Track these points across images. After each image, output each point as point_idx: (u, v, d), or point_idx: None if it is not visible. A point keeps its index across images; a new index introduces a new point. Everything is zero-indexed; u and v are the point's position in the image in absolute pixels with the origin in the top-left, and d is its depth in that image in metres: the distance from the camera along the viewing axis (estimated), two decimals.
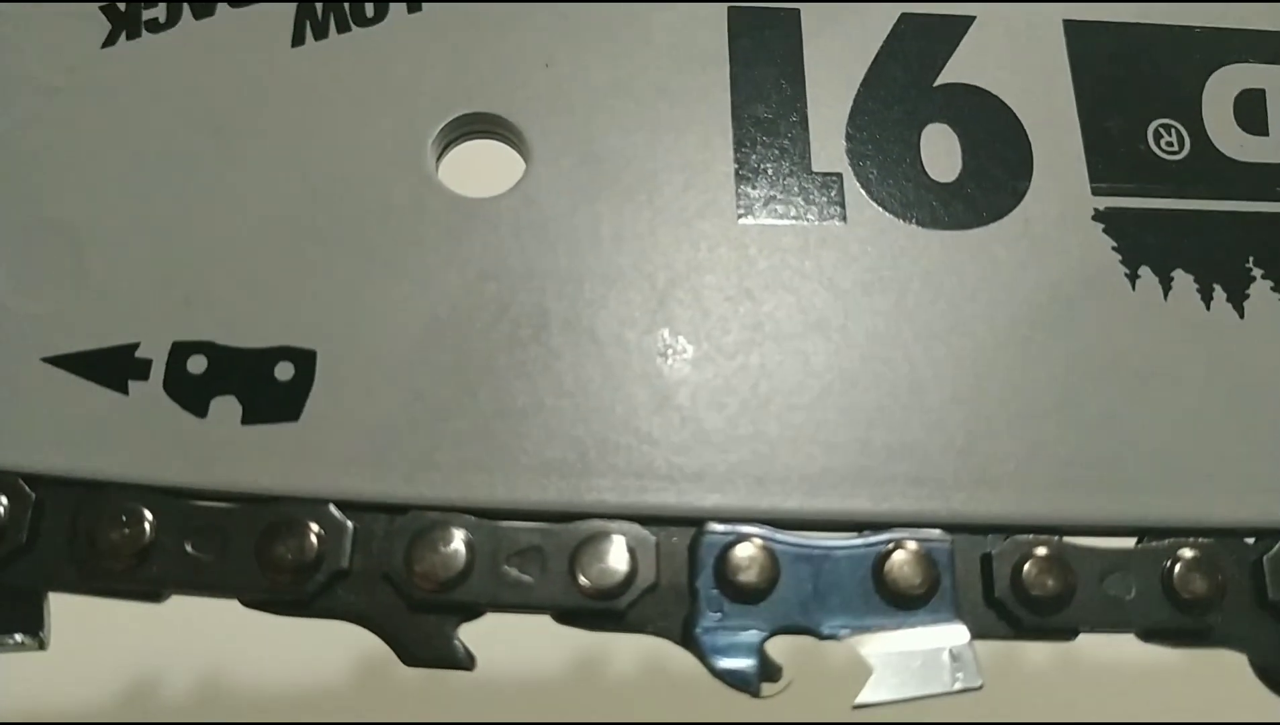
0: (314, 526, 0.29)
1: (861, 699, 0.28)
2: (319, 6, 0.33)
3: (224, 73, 0.33)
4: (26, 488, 0.29)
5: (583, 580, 0.28)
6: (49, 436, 0.29)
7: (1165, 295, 0.32)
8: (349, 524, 0.29)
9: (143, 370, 0.30)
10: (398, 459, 0.29)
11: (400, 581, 0.28)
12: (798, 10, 0.34)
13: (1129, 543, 0.30)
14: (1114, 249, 0.32)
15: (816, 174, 0.33)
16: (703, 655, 0.28)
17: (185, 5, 0.33)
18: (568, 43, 0.33)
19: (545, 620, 0.29)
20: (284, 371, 0.30)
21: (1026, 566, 0.29)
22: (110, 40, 0.33)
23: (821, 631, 0.29)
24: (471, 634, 0.29)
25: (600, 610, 0.29)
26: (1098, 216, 0.33)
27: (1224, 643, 0.30)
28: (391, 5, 0.33)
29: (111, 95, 0.32)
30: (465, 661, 0.28)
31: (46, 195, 0.31)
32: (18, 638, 0.29)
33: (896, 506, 0.29)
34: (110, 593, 0.29)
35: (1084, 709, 0.57)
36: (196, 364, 0.30)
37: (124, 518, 0.28)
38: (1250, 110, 0.35)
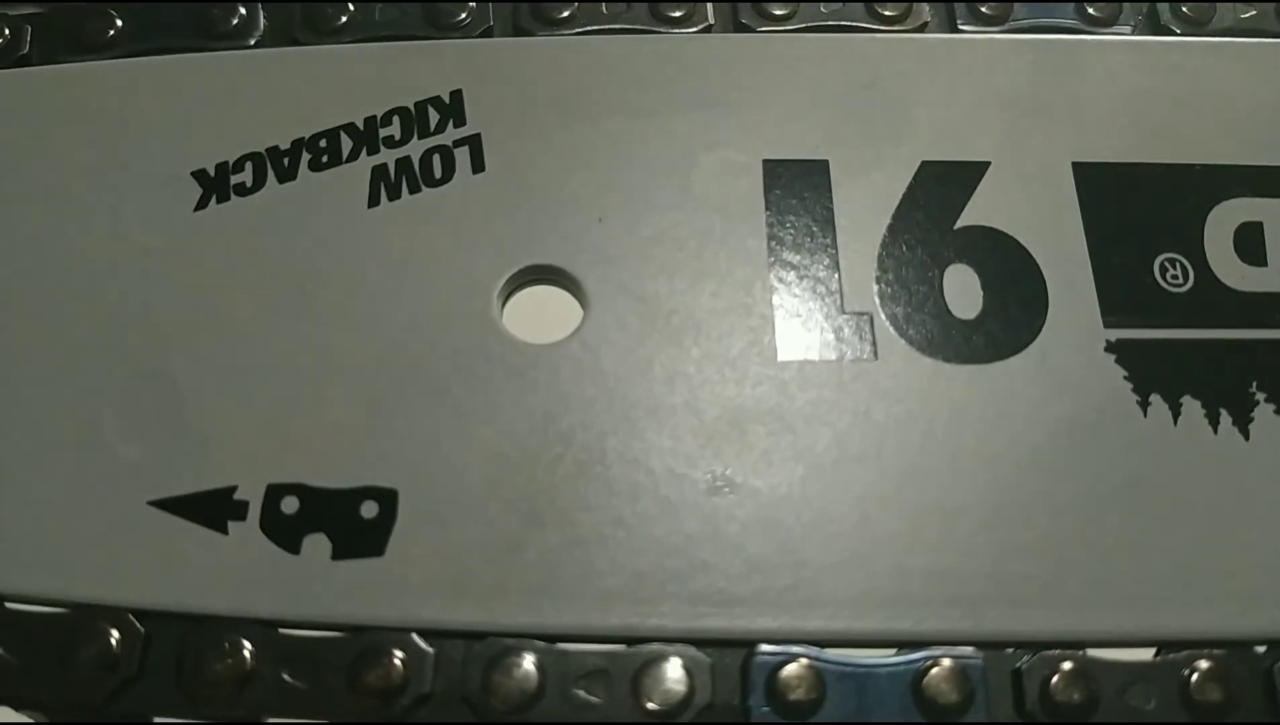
0: (399, 654, 0.31)
1: None
2: (392, 169, 0.36)
3: (306, 232, 0.36)
4: (136, 623, 0.31)
5: (645, 700, 0.31)
6: (156, 574, 0.32)
7: (1175, 421, 0.34)
8: (430, 651, 0.31)
9: (240, 511, 0.32)
10: (473, 589, 0.32)
11: (478, 704, 0.31)
12: (826, 161, 0.37)
13: (1149, 654, 0.32)
14: (1126, 378, 0.35)
15: (849, 314, 0.35)
16: None
17: (270, 170, 0.36)
18: (618, 198, 0.36)
19: None
20: (369, 510, 0.32)
21: (1054, 680, 0.31)
22: (202, 204, 0.36)
23: None
24: None
25: None
26: (1110, 348, 0.35)
27: None
28: (458, 166, 0.37)
29: (204, 254, 0.35)
30: None
31: (148, 349, 0.34)
32: None
33: (933, 627, 0.32)
34: (212, 718, 0.31)
35: None
36: (289, 505, 0.32)
37: (226, 649, 0.31)
38: (1250, 242, 0.37)
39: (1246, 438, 0.34)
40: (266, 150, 0.37)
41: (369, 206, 0.36)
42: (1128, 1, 0.41)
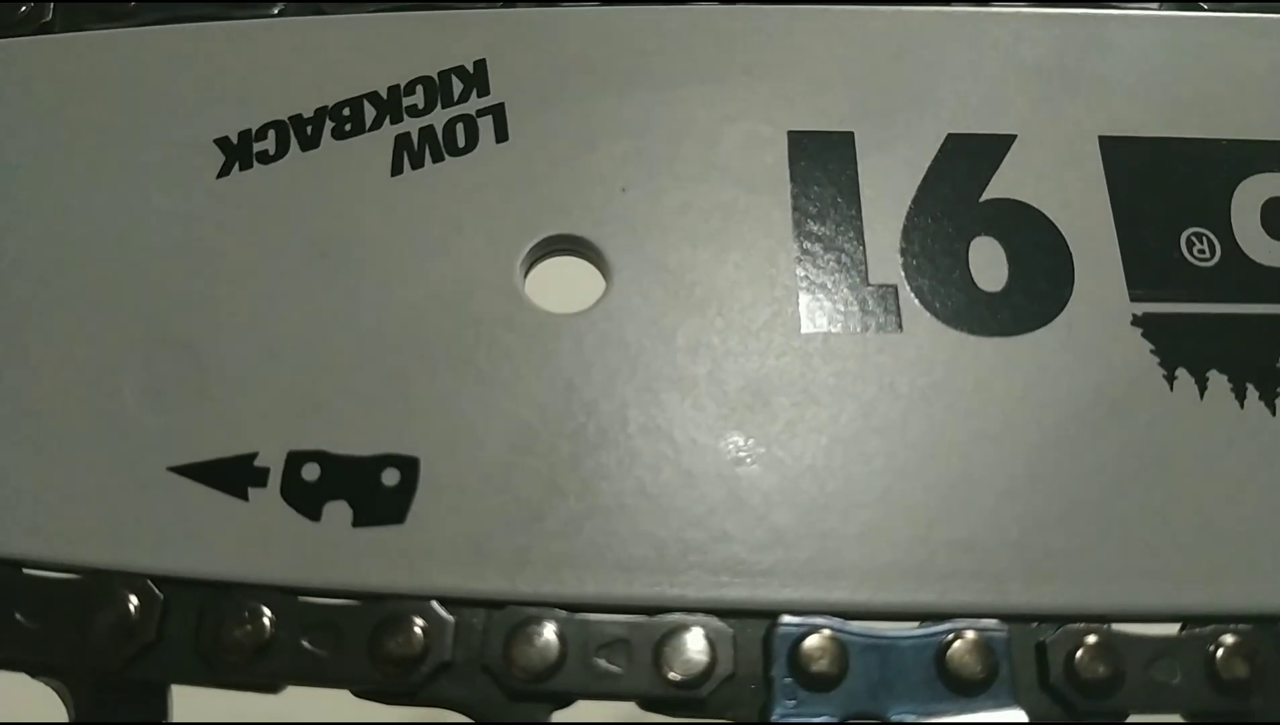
0: (419, 622, 0.31)
1: None
2: (415, 138, 0.36)
3: (329, 200, 0.36)
4: (155, 589, 0.31)
5: (667, 671, 0.31)
6: (175, 540, 0.32)
7: (1201, 395, 0.34)
8: (451, 619, 0.31)
9: (261, 478, 0.32)
10: (495, 557, 0.32)
11: (499, 672, 0.31)
12: (851, 133, 0.37)
13: (1174, 629, 0.32)
14: (1152, 352, 0.35)
15: (873, 286, 0.35)
16: None
17: (293, 138, 0.36)
18: (642, 168, 0.36)
19: None
20: (390, 477, 0.32)
21: (1079, 654, 0.31)
22: (224, 171, 0.36)
23: (889, 717, 0.31)
24: None
25: (683, 699, 0.31)
26: (1136, 321, 0.35)
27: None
28: (481, 136, 0.36)
29: (226, 221, 0.35)
30: None
31: (170, 315, 0.34)
32: None
33: (957, 599, 0.32)
34: (231, 685, 0.31)
35: None
36: (310, 472, 0.32)
37: (245, 616, 0.31)
38: (1277, 217, 0.37)
39: (1273, 412, 0.34)
40: (289, 118, 0.37)
41: (392, 175, 0.36)
42: None
